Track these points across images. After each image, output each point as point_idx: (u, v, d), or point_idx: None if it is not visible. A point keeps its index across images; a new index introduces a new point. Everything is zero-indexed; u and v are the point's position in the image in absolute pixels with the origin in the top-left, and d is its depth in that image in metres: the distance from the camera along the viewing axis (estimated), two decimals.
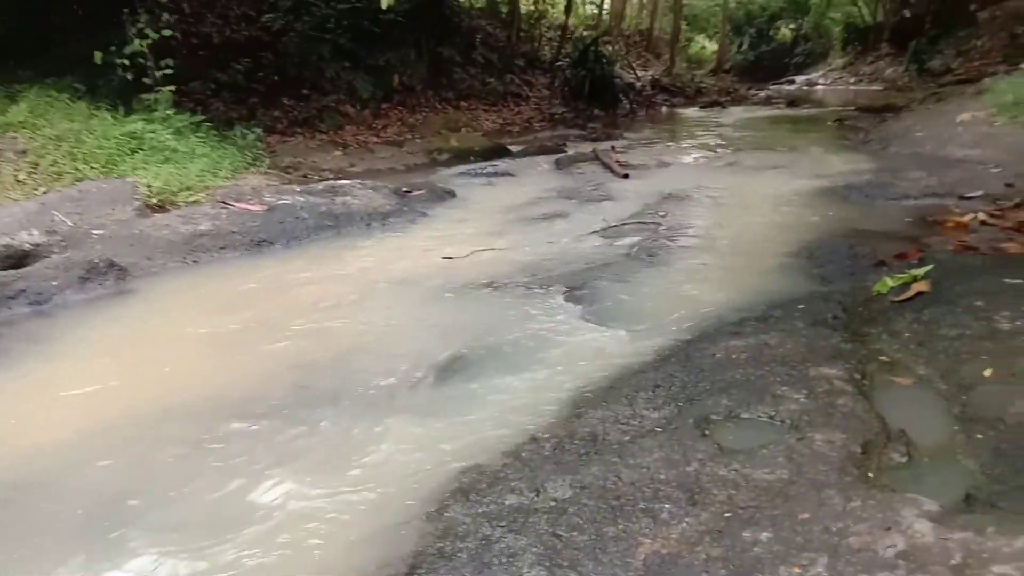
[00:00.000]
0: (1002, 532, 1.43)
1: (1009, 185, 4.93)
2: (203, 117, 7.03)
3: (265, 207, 5.13)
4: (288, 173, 7.08)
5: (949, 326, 2.51)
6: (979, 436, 1.90)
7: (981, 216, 4.19)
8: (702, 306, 3.29)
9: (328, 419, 2.46)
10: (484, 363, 2.84)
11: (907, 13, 19.18)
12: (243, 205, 5.14)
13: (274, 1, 9.89)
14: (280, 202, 5.25)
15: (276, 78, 9.52)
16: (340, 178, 6.56)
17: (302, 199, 5.34)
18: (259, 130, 7.68)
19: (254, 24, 9.77)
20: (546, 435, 2.21)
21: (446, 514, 1.84)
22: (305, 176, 7.12)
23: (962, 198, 4.77)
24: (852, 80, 20.24)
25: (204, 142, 6.38)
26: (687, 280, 3.74)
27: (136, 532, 1.91)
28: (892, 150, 7.42)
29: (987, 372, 2.15)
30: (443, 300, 3.62)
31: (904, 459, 1.86)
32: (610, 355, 2.85)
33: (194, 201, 5.17)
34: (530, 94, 13.57)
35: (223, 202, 5.17)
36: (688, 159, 8.03)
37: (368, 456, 2.22)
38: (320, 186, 5.89)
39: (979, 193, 4.83)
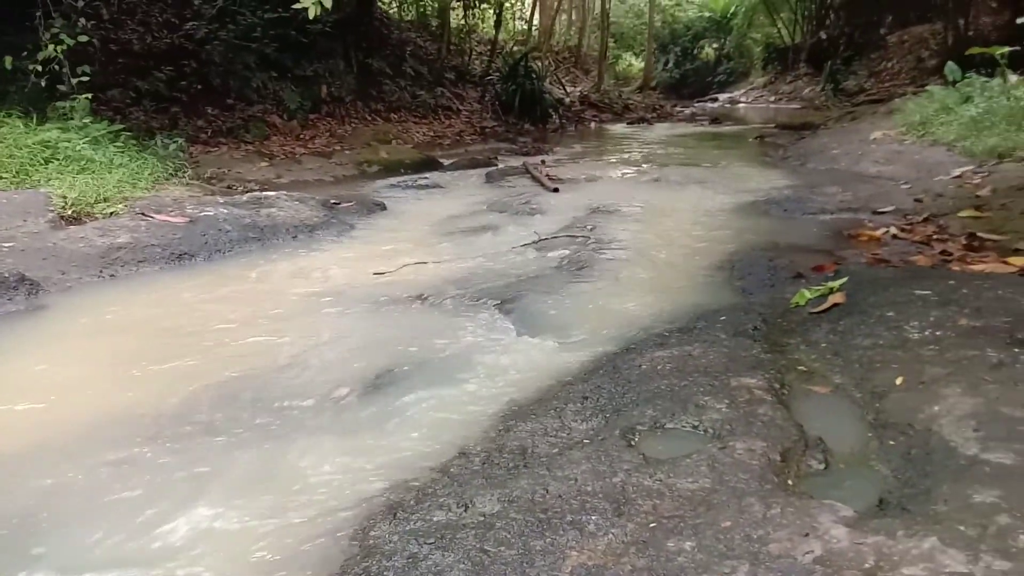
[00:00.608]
0: (911, 535, 1.49)
1: (918, 200, 5.18)
2: (122, 126, 6.79)
3: (187, 219, 4.98)
4: (211, 184, 6.90)
5: (863, 336, 2.61)
6: (891, 442, 1.97)
7: (892, 230, 4.38)
8: (629, 318, 3.34)
9: (250, 438, 2.39)
10: (413, 378, 2.81)
11: (823, 35, 20.06)
12: (163, 217, 4.98)
13: (198, 8, 9.67)
14: (202, 214, 5.10)
15: (200, 87, 9.29)
16: (266, 189, 6.43)
17: (225, 211, 5.20)
18: (181, 140, 7.47)
19: (177, 31, 9.53)
20: (475, 449, 2.20)
21: (372, 532, 1.81)
22: (229, 187, 6.94)
23: (875, 213, 4.99)
24: (772, 98, 20.98)
25: (123, 152, 6.15)
26: (615, 292, 3.79)
27: (40, 563, 1.81)
28: (810, 166, 7.71)
29: (898, 380, 2.24)
30: (371, 314, 3.57)
31: (821, 466, 1.91)
32: (540, 367, 2.86)
33: (112, 213, 4.98)
34: (461, 107, 13.60)
35: (143, 214, 5.00)
36: (616, 174, 8.16)
37: (291, 475, 2.17)
38: (245, 197, 5.75)
39: (890, 208, 5.06)
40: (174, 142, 7.21)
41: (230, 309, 3.68)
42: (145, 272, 4.35)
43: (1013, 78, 7.24)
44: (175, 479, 2.16)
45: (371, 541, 1.77)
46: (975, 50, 8.18)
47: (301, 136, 9.89)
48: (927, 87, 9.09)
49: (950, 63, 8.80)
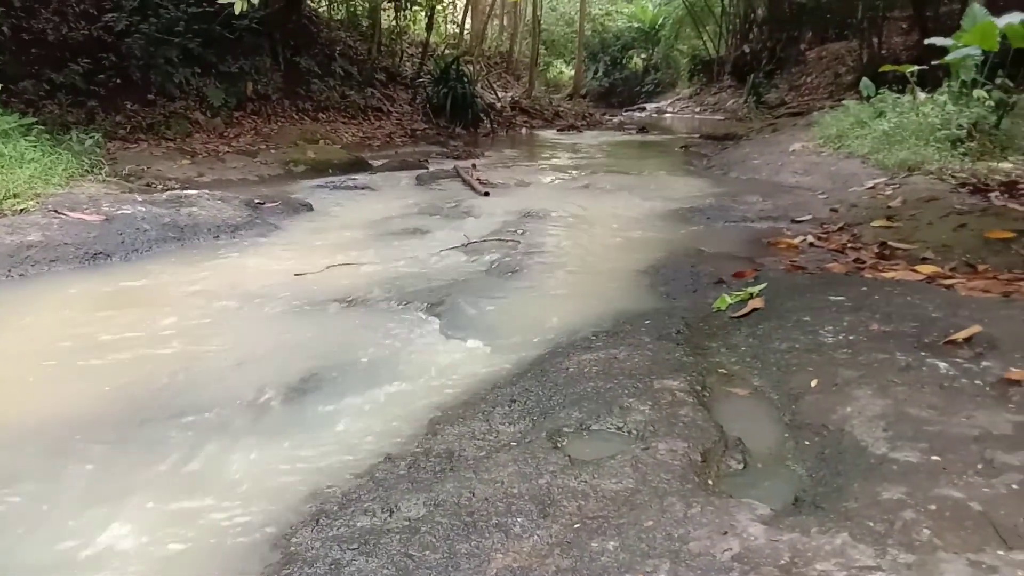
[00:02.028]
0: (824, 531, 1.54)
1: (834, 210, 5.39)
2: (35, 120, 6.50)
3: (103, 217, 4.79)
4: (130, 182, 6.65)
5: (780, 340, 2.70)
6: (806, 442, 2.04)
7: (809, 238, 4.55)
8: (558, 321, 3.36)
9: (166, 444, 2.30)
10: (338, 382, 2.77)
11: (747, 49, 20.70)
12: (78, 215, 4.77)
13: (117, 0, 9.31)
14: (119, 212, 4.91)
15: (119, 81, 8.95)
16: (187, 188, 6.24)
17: (144, 209, 5.02)
18: (98, 135, 7.19)
19: (95, 23, 9.15)
20: (401, 453, 2.17)
21: (294, 539, 1.77)
22: (148, 185, 6.71)
23: (793, 221, 5.17)
24: (697, 109, 21.53)
25: (35, 146, 5.87)
26: (544, 296, 3.82)
27: None
28: (732, 176, 7.94)
29: (813, 383, 2.32)
30: (296, 317, 3.50)
31: (740, 466, 1.97)
32: (469, 371, 2.85)
33: (22, 210, 4.74)
34: (391, 109, 13.48)
35: (55, 211, 4.78)
36: (546, 179, 8.23)
37: (211, 483, 2.10)
38: (164, 196, 5.57)
39: (808, 217, 5.25)
40: (91, 137, 6.93)
41: (147, 311, 3.55)
42: (57, 272, 4.16)
43: (922, 95, 7.61)
44: (86, 487, 2.07)
45: (292, 548, 1.73)
46: (887, 68, 8.57)
47: (225, 134, 9.63)
48: (844, 102, 9.49)
49: (865, 79, 9.21)
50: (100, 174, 6.36)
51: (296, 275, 4.13)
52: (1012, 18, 6.88)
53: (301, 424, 2.45)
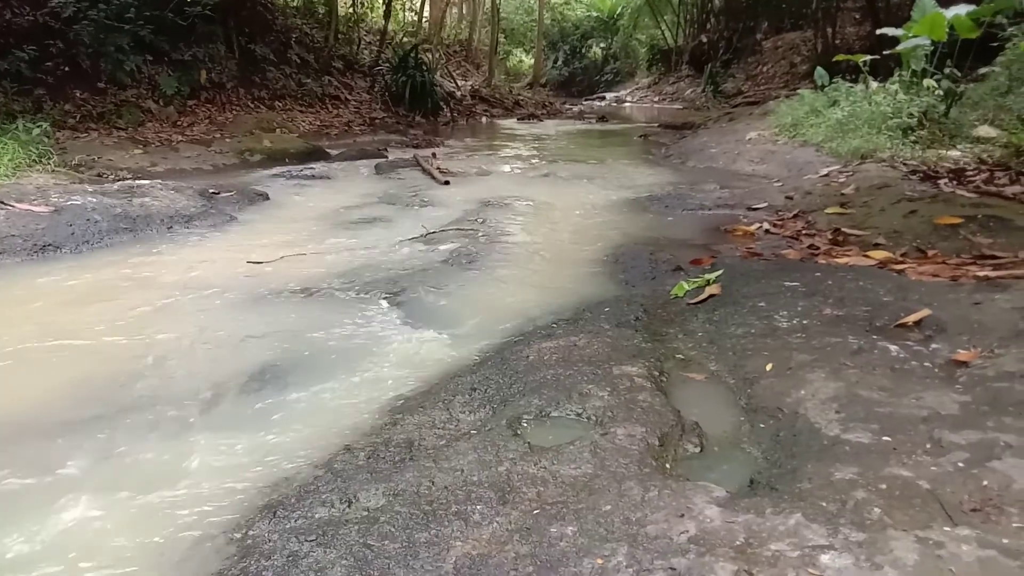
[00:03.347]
0: (778, 512, 1.57)
1: (789, 198, 5.47)
2: None
3: (51, 208, 4.66)
4: (79, 172, 6.49)
5: (736, 325, 2.74)
6: (761, 425, 2.07)
7: (765, 226, 4.61)
8: (518, 309, 3.37)
9: (119, 437, 2.25)
10: (296, 372, 2.73)
11: (704, 39, 20.88)
12: (25, 206, 4.63)
13: None
14: (69, 203, 4.78)
15: (67, 69, 8.70)
16: (139, 178, 6.10)
17: (94, 200, 4.90)
18: (46, 124, 6.98)
19: (41, 9, 8.87)
20: (361, 444, 2.15)
21: (251, 532, 1.74)
22: (99, 175, 6.55)
23: (749, 209, 5.23)
24: (656, 98, 21.68)
25: None
26: (504, 284, 3.81)
27: None
28: (690, 164, 8.01)
29: (768, 366, 2.36)
30: (253, 307, 3.45)
31: (697, 449, 1.99)
32: (429, 360, 2.84)
33: None
34: (349, 97, 13.34)
35: (1, 202, 4.64)
36: (506, 168, 8.22)
37: (166, 475, 2.06)
38: (116, 186, 5.44)
39: (764, 204, 5.32)
40: (38, 126, 6.73)
41: (97, 303, 3.46)
42: (3, 264, 4.04)
43: (874, 84, 7.74)
44: (36, 481, 2.02)
45: (249, 540, 1.71)
46: (841, 57, 8.71)
47: (178, 123, 9.44)
48: (799, 91, 9.62)
49: (819, 69, 9.34)
50: (48, 164, 6.20)
51: (251, 263, 4.06)
52: (959, 9, 7.04)
53: (258, 416, 2.42)
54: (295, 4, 14.59)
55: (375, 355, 2.91)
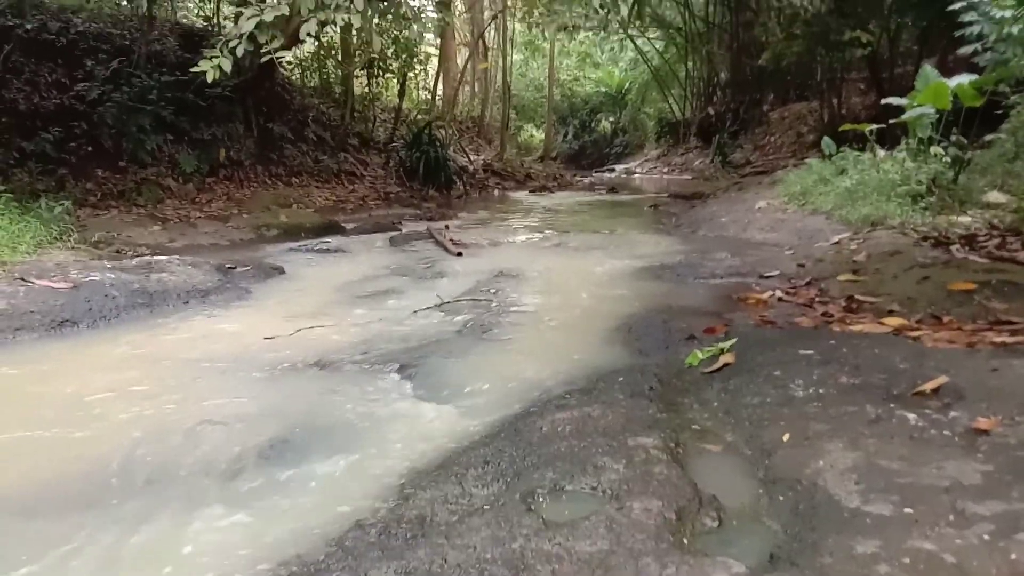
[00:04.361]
0: None
1: (801, 265, 5.48)
2: (3, 188, 6.47)
3: (71, 284, 4.73)
4: (99, 248, 6.61)
5: (752, 394, 2.71)
6: (780, 498, 2.03)
7: (778, 293, 4.61)
8: (531, 380, 3.35)
9: (130, 511, 2.24)
10: (309, 447, 2.72)
11: (711, 111, 21.28)
12: (45, 282, 4.72)
13: (90, 70, 9.40)
14: (88, 279, 4.86)
15: (90, 149, 8.97)
16: (157, 254, 6.20)
17: (113, 276, 4.98)
18: (68, 202, 7.15)
19: (67, 92, 9.21)
20: (372, 520, 2.13)
21: None
22: (118, 252, 6.67)
23: (762, 277, 5.24)
24: (665, 169, 21.97)
25: (3, 214, 5.84)
26: (518, 354, 3.81)
27: None
28: (701, 233, 8.06)
29: (785, 437, 2.32)
30: (267, 381, 3.46)
31: (715, 523, 1.95)
32: (442, 432, 2.82)
33: None
34: (365, 173, 13.60)
35: (22, 279, 4.72)
36: (519, 239, 8.30)
37: (175, 550, 2.04)
38: (134, 262, 5.53)
39: (776, 272, 5.32)
40: (60, 205, 6.90)
41: (111, 378, 3.48)
42: (21, 340, 4.08)
43: (881, 153, 7.85)
44: (47, 556, 2.00)
45: None
46: (847, 126, 8.86)
47: (197, 200, 9.64)
48: (806, 160, 9.75)
49: (826, 138, 9.48)
50: (69, 241, 6.33)
51: (267, 339, 4.09)
52: (962, 79, 7.18)
53: (268, 491, 2.40)
54: (312, 84, 15.05)
55: (388, 428, 2.90)
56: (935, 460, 2.00)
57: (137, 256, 6.16)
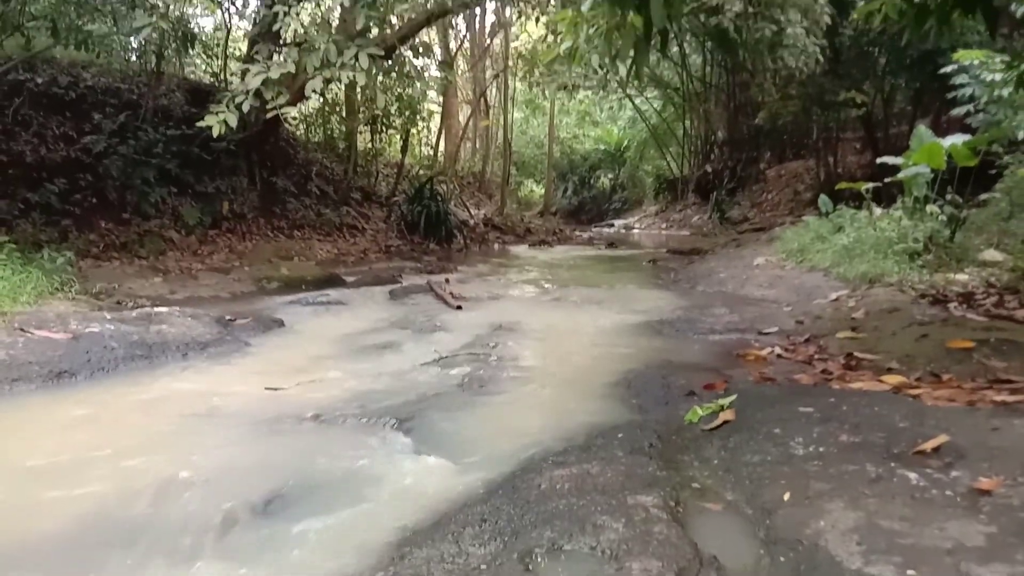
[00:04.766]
0: None
1: (799, 322, 5.49)
2: (7, 238, 6.52)
3: (70, 335, 4.74)
4: (100, 299, 6.62)
5: (752, 452, 2.69)
6: (781, 558, 2.00)
7: (777, 350, 4.61)
8: (530, 436, 3.33)
9: (124, 567, 2.20)
10: (305, 502, 2.69)
11: (709, 168, 21.55)
12: (45, 333, 4.72)
13: (98, 123, 9.56)
14: (87, 330, 4.87)
15: (94, 200, 9.07)
16: (158, 305, 6.21)
17: (112, 327, 4.98)
18: (70, 253, 7.19)
19: (74, 145, 9.36)
20: None
21: None
22: (119, 303, 6.68)
23: (761, 333, 5.24)
24: (664, 225, 22.13)
25: (5, 265, 5.86)
26: (516, 410, 3.79)
27: None
28: (699, 289, 8.09)
29: (786, 496, 2.30)
30: (263, 435, 3.43)
31: None
32: (439, 489, 2.79)
33: None
34: (366, 226, 13.71)
35: (21, 329, 4.73)
36: (518, 293, 8.33)
37: None
38: (134, 313, 5.54)
39: (775, 329, 5.33)
40: (62, 255, 6.94)
41: (108, 430, 3.46)
42: (19, 391, 4.06)
43: (877, 211, 7.94)
44: None
45: None
46: (843, 185, 8.98)
47: (199, 252, 9.70)
48: (804, 217, 9.85)
49: (823, 196, 9.60)
50: (70, 292, 6.34)
51: (267, 389, 4.07)
52: (956, 139, 7.31)
53: (264, 546, 2.36)
54: (316, 139, 15.29)
55: (385, 484, 2.87)
56: (937, 521, 1.98)
57: (137, 307, 6.17)
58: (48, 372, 4.29)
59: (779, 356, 4.48)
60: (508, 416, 3.70)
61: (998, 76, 6.71)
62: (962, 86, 7.73)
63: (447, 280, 8.81)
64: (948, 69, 7.78)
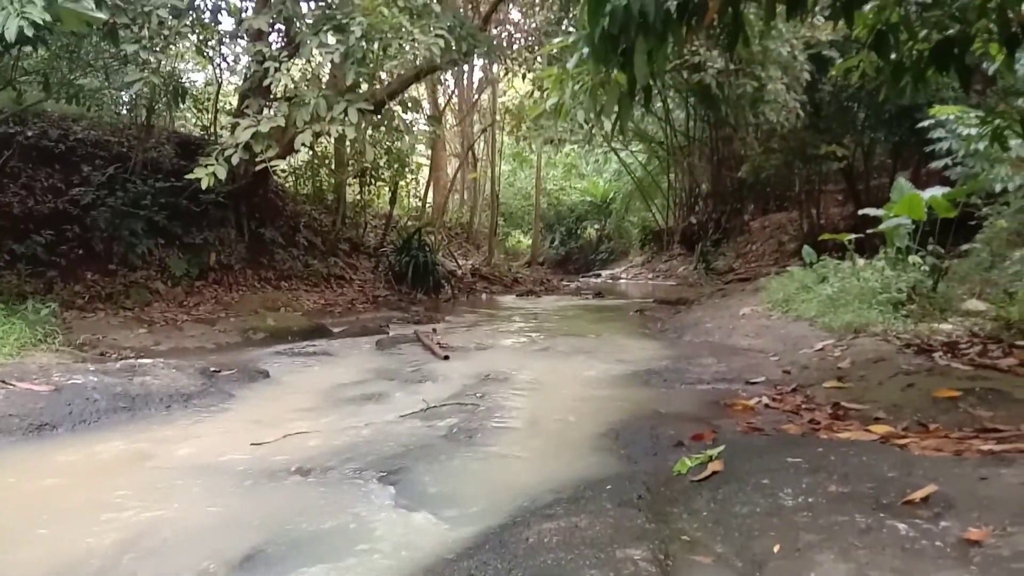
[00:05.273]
0: None
1: (786, 371, 5.50)
2: None
3: (52, 387, 4.68)
4: (83, 351, 6.57)
5: (741, 503, 2.67)
6: None
7: (764, 400, 4.60)
8: (518, 488, 3.29)
9: None
10: (287, 559, 2.63)
11: (693, 220, 21.82)
12: (26, 385, 4.66)
13: (87, 175, 9.60)
14: (70, 382, 4.81)
15: (81, 251, 9.06)
16: (142, 357, 6.16)
17: (95, 378, 4.92)
18: (54, 305, 7.16)
19: (62, 196, 9.39)
20: None
21: None
22: (103, 354, 6.63)
23: (748, 383, 5.24)
24: (650, 275, 22.27)
25: None
26: (504, 461, 3.76)
27: None
28: (686, 339, 8.11)
29: (776, 548, 2.28)
30: (245, 489, 3.37)
31: None
32: (425, 543, 2.75)
33: None
34: (354, 277, 13.73)
35: (3, 381, 4.66)
36: (506, 343, 8.31)
37: None
38: (117, 365, 5.48)
39: (762, 378, 5.33)
40: (47, 307, 6.91)
41: (86, 484, 3.40)
42: None
43: (860, 261, 8.03)
44: None
45: None
46: (827, 236, 9.10)
47: (185, 303, 9.66)
48: (788, 268, 9.95)
49: (806, 247, 9.72)
50: (54, 344, 6.29)
51: (252, 444, 4.02)
52: (935, 191, 7.46)
53: None
54: (305, 191, 15.39)
55: (370, 539, 2.82)
56: (928, 572, 1.96)
57: (121, 359, 6.11)
58: (28, 425, 4.22)
59: (767, 406, 4.48)
60: (496, 468, 3.66)
61: (973, 130, 6.88)
62: (939, 140, 7.93)
63: (434, 330, 8.79)
64: (925, 123, 7.98)
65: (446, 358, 6.89)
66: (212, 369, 5.84)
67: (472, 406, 4.88)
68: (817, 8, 4.61)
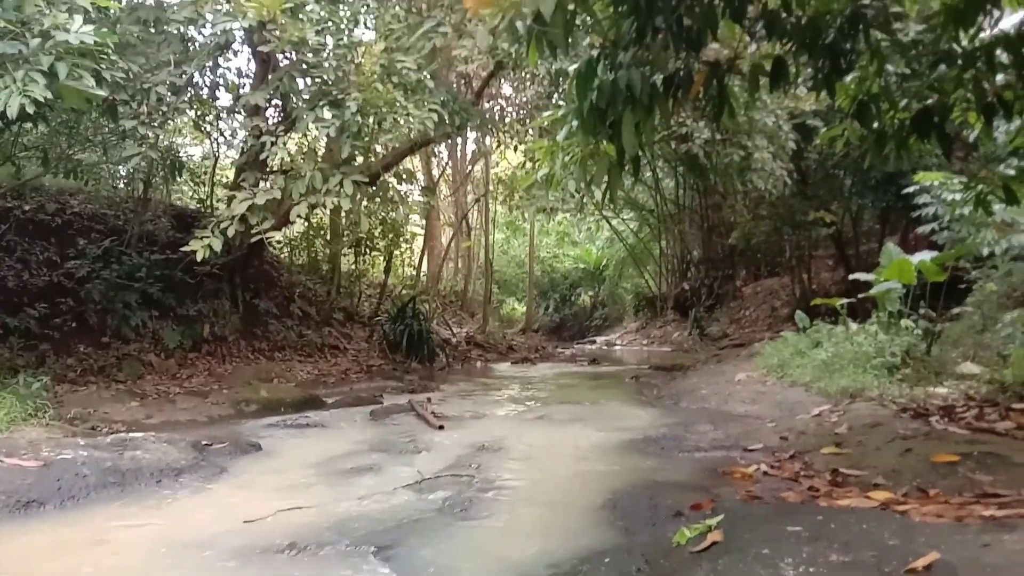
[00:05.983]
0: None
1: (783, 438, 5.46)
2: None
3: (41, 463, 4.61)
4: (74, 425, 6.49)
5: (742, 574, 2.62)
6: None
7: (763, 467, 4.56)
8: (513, 562, 3.24)
9: None
10: None
11: (686, 286, 21.94)
12: (14, 461, 4.59)
13: (82, 248, 9.65)
14: (59, 457, 4.74)
15: (74, 324, 9.04)
16: (133, 431, 6.09)
17: (85, 453, 4.85)
18: (46, 378, 7.09)
19: (57, 269, 9.41)
20: None
21: None
22: (93, 428, 6.54)
23: (746, 450, 5.20)
24: (645, 342, 22.26)
25: None
26: (500, 535, 3.69)
27: None
28: (683, 405, 8.07)
29: None
30: (236, 567, 3.30)
31: None
32: None
33: None
34: (348, 346, 13.69)
35: None
36: (501, 411, 8.25)
37: None
38: (108, 439, 5.41)
39: (759, 445, 5.29)
40: (38, 380, 6.85)
41: (72, 564, 3.32)
42: None
43: (853, 326, 8.07)
44: None
45: None
46: (819, 301, 9.17)
47: (178, 375, 9.60)
48: (782, 333, 9.98)
49: (799, 312, 9.78)
50: (44, 418, 6.22)
51: (245, 522, 3.94)
52: (924, 255, 7.57)
53: None
54: (300, 262, 15.47)
55: None
56: None
57: (112, 433, 6.04)
58: (15, 502, 4.15)
59: (765, 473, 4.43)
60: (491, 542, 3.60)
61: (958, 196, 7.02)
62: (925, 205, 8.07)
63: (429, 399, 8.73)
64: (911, 189, 8.14)
65: (441, 428, 6.82)
66: (204, 442, 5.77)
67: (467, 477, 4.81)
68: (800, 80, 4.75)
